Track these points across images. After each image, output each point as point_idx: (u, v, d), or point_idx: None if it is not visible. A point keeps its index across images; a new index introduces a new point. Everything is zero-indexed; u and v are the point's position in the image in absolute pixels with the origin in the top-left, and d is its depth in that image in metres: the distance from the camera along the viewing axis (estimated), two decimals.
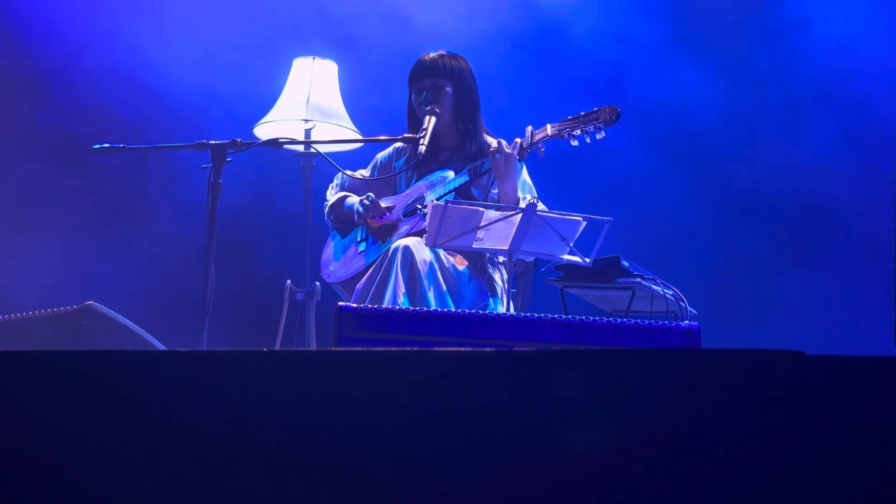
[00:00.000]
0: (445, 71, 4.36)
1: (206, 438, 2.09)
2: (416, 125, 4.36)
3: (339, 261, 4.42)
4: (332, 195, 4.58)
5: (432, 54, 4.42)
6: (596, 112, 4.10)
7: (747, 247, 5.84)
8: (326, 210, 4.56)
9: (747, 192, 5.87)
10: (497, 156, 4.14)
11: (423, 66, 4.40)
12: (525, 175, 4.31)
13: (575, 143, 4.13)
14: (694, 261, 5.68)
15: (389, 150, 4.60)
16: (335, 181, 4.63)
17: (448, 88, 4.35)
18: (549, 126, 4.17)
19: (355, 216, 4.40)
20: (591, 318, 3.30)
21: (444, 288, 4.01)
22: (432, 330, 3.25)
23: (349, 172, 4.51)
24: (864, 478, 2.00)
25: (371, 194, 4.37)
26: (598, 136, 4.11)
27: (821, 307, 5.69)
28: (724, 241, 5.84)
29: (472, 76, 4.42)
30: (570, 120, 4.15)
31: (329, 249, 4.51)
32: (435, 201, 4.00)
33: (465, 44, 4.59)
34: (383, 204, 4.37)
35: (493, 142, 4.22)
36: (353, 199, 4.44)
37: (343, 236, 4.49)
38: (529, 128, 4.19)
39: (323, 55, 5.04)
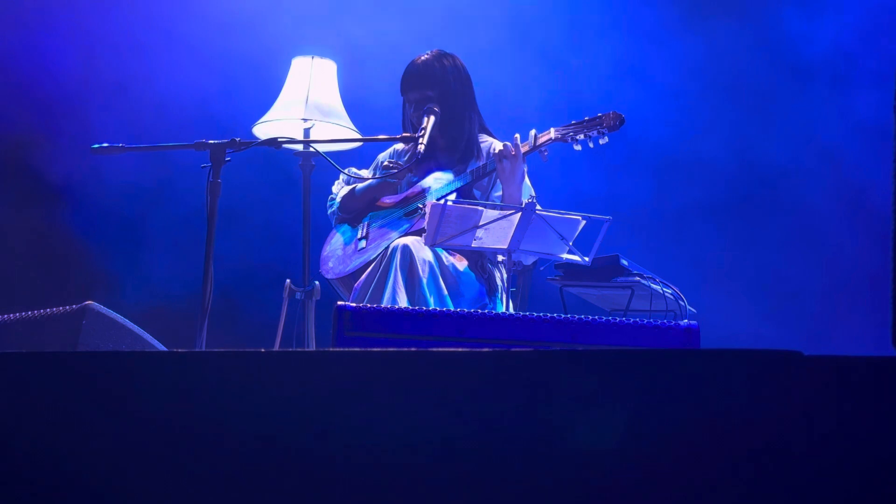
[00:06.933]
0: (432, 80, 4.33)
1: (205, 439, 2.09)
2: (410, 131, 4.35)
3: (338, 257, 4.41)
4: (338, 189, 4.57)
5: (422, 57, 4.39)
6: (600, 117, 4.09)
7: (747, 246, 5.84)
8: (337, 204, 4.54)
9: (747, 191, 5.86)
10: (504, 161, 4.11)
11: (410, 75, 4.37)
12: (525, 178, 4.30)
13: (578, 147, 4.13)
14: (694, 260, 5.68)
15: (391, 150, 4.60)
16: (341, 178, 4.63)
17: (434, 101, 4.33)
18: (552, 130, 4.15)
19: (376, 182, 4.39)
20: (591, 318, 3.29)
21: (444, 287, 4.01)
22: (431, 329, 3.25)
23: (352, 172, 4.51)
24: (863, 478, 2.00)
25: (389, 160, 4.37)
26: (601, 142, 4.09)
27: (821, 307, 5.69)
28: (724, 240, 5.84)
29: (461, 76, 4.37)
30: (573, 124, 4.13)
31: (329, 246, 4.50)
32: (434, 200, 4.00)
33: (467, 45, 4.58)
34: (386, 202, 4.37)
35: (497, 144, 4.20)
36: (366, 182, 4.44)
37: (353, 226, 4.47)
38: (533, 131, 4.17)
39: (322, 54, 5.04)
